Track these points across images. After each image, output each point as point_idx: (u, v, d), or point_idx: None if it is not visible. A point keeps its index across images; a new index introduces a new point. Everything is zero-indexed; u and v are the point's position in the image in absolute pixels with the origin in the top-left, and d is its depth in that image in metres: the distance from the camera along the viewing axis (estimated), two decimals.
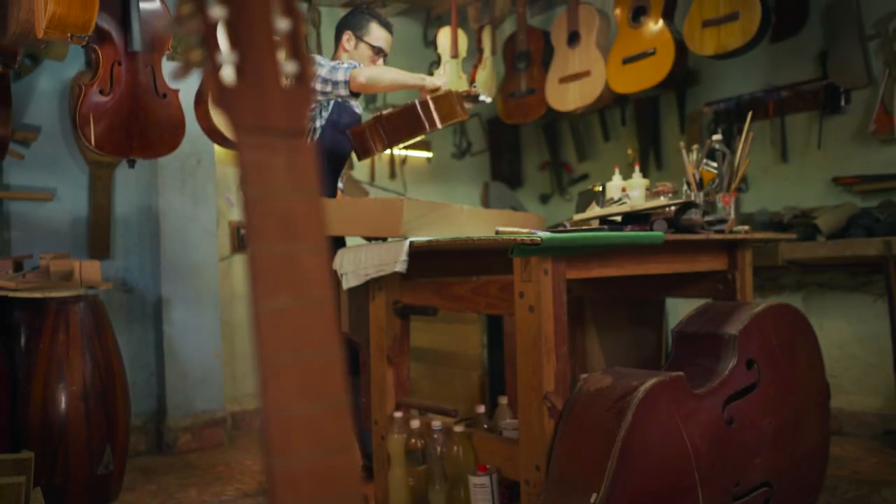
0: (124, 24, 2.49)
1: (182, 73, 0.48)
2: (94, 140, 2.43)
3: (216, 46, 0.48)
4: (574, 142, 4.57)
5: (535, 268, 1.79)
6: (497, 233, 2.07)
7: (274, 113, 0.46)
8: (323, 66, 2.54)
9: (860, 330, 3.26)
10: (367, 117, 2.81)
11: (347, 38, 2.70)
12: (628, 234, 1.92)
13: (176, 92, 2.63)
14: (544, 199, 4.86)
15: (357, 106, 2.83)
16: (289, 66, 0.50)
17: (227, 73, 0.47)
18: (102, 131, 2.43)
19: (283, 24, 0.52)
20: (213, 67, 0.47)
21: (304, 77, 0.50)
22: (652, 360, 3.03)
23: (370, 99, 4.41)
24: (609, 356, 3.04)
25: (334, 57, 2.78)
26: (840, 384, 3.31)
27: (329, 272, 0.46)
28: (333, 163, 2.76)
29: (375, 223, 2.08)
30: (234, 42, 0.48)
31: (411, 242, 2.03)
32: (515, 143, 4.92)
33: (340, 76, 2.48)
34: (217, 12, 0.49)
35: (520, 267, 1.82)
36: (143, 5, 2.58)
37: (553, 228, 2.14)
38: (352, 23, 2.71)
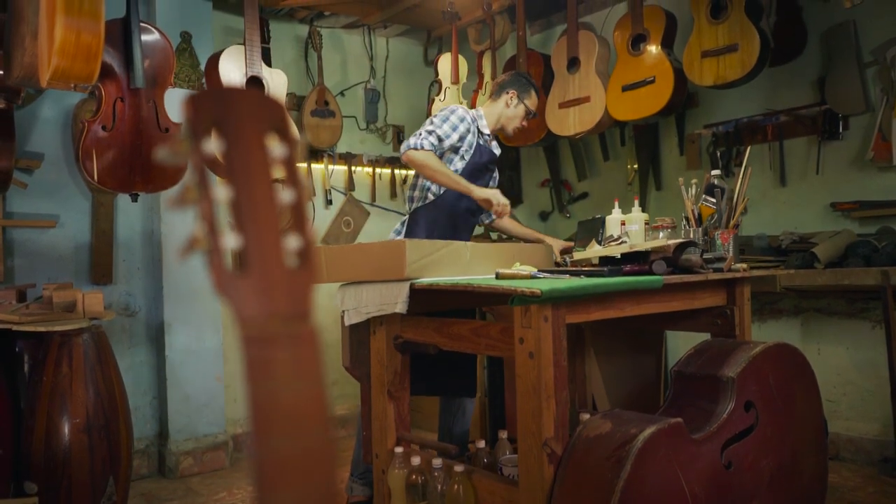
0: (127, 59, 2.51)
1: (185, 253, 0.50)
2: (96, 176, 2.45)
3: (219, 229, 0.49)
4: (574, 160, 4.59)
5: (535, 315, 1.81)
6: (497, 275, 2.09)
7: (277, 300, 0.48)
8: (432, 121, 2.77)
9: (858, 356, 3.27)
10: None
11: (511, 97, 2.92)
12: (628, 280, 1.94)
13: (178, 125, 2.65)
14: (544, 216, 4.88)
15: (495, 147, 3.01)
16: (292, 243, 0.52)
17: (230, 259, 0.49)
18: (104, 167, 2.45)
19: (286, 196, 0.53)
20: (215, 253, 0.48)
21: (307, 254, 0.51)
22: (651, 386, 3.05)
23: (371, 118, 4.42)
24: (609, 382, 3.06)
25: (490, 102, 2.98)
26: (838, 409, 3.33)
27: (331, 457, 0.48)
28: (455, 218, 2.87)
29: (380, 267, 2.09)
30: (238, 224, 0.50)
31: (412, 284, 2.05)
32: (516, 160, 4.94)
33: (411, 140, 2.70)
34: (220, 193, 0.51)
35: (520, 313, 1.84)
36: (144, 37, 2.60)
37: (552, 270, 2.16)
38: (517, 84, 2.95)
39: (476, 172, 2.86)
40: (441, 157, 2.75)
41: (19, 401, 2.73)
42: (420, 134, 2.71)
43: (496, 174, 3.06)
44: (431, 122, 2.76)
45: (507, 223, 3.15)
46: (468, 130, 2.81)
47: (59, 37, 1.66)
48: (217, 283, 0.47)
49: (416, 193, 2.88)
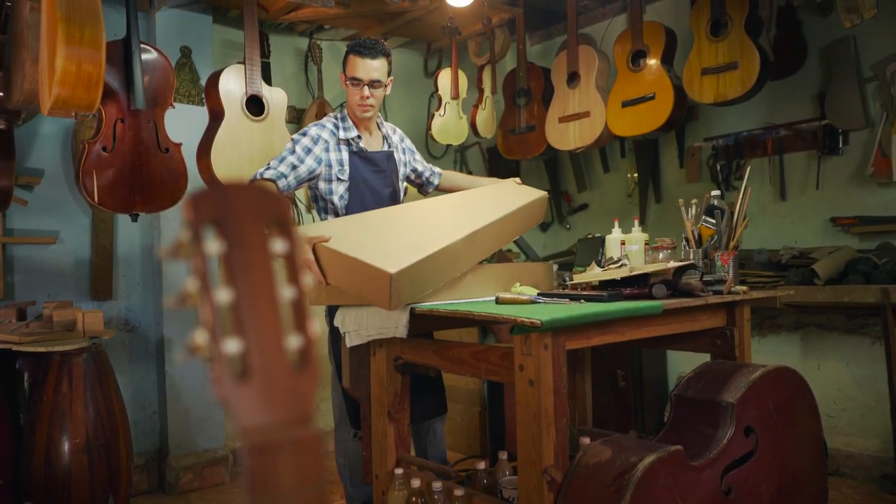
0: (127, 80, 2.51)
1: (187, 358, 0.50)
2: (96, 197, 2.45)
3: (220, 334, 0.49)
4: (574, 172, 4.59)
5: (535, 343, 1.81)
6: (497, 300, 2.09)
7: (279, 407, 0.48)
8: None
9: (858, 372, 3.27)
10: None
11: (342, 80, 2.54)
12: (627, 307, 1.94)
13: (178, 145, 2.65)
14: (544, 227, 4.88)
15: (386, 141, 2.67)
16: (293, 341, 0.52)
17: (232, 366, 0.49)
18: (104, 188, 2.45)
19: (287, 292, 0.53)
20: (217, 361, 0.49)
21: (308, 353, 0.51)
22: None
23: None
24: None
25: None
26: (837, 425, 3.33)
27: None
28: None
29: (364, 288, 2.02)
30: (238, 329, 0.50)
31: (413, 309, 2.05)
32: (515, 171, 4.93)
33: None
34: (222, 295, 0.51)
35: (520, 341, 1.84)
36: (144, 57, 2.60)
37: (551, 294, 2.16)
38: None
39: (365, 184, 2.53)
40: (312, 180, 2.48)
41: (19, 418, 2.74)
42: (268, 164, 2.43)
43: (406, 169, 2.73)
44: (285, 148, 2.46)
45: (456, 180, 2.86)
46: (326, 150, 2.48)
47: (60, 67, 1.67)
48: (219, 392, 0.48)
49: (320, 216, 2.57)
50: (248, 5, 2.97)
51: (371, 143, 2.60)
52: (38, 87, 1.96)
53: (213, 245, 0.51)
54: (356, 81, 2.46)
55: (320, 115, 4.03)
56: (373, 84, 2.47)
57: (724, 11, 3.13)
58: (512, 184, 2.81)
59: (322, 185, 2.50)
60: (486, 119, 4.17)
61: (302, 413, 0.49)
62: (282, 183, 2.41)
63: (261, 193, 0.54)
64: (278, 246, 0.54)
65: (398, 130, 2.78)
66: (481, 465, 2.41)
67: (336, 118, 2.56)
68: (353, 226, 2.26)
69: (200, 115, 3.27)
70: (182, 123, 3.18)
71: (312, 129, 2.50)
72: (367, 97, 2.47)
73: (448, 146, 4.64)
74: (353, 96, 2.49)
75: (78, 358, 2.63)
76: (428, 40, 4.43)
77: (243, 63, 2.95)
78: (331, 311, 2.48)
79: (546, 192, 2.74)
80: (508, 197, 2.63)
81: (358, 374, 2.49)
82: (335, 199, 2.50)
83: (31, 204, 3.22)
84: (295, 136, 2.50)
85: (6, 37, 2.27)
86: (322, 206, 2.56)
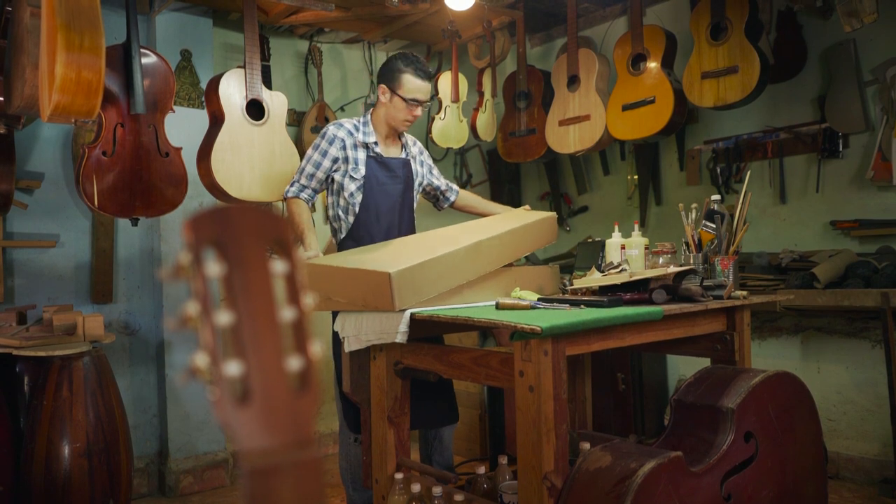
0: (127, 85, 2.51)
1: (187, 380, 0.50)
2: (96, 201, 2.45)
3: (221, 357, 0.50)
4: (574, 174, 4.59)
5: (536, 349, 1.81)
6: (497, 305, 2.09)
7: (280, 429, 0.48)
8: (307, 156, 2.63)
9: (858, 375, 3.27)
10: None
11: (383, 92, 2.59)
12: (627, 313, 1.94)
13: (178, 150, 2.65)
14: None
15: (405, 150, 2.76)
16: (294, 364, 0.52)
17: (233, 389, 0.49)
18: (104, 192, 2.45)
19: (288, 314, 0.53)
20: (217, 384, 0.49)
21: (308, 375, 0.51)
22: None
23: None
24: None
25: (375, 107, 2.70)
26: (838, 428, 3.33)
27: None
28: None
29: (369, 297, 2.06)
30: (239, 351, 0.50)
31: (412, 314, 2.05)
32: (516, 174, 4.94)
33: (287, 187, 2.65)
34: (222, 318, 0.51)
35: (520, 347, 1.84)
36: (144, 62, 2.60)
37: (551, 299, 2.16)
38: (385, 75, 2.60)
39: (380, 187, 2.62)
40: (329, 181, 2.62)
41: (19, 423, 2.73)
42: (293, 179, 2.61)
43: (422, 180, 2.82)
44: (306, 156, 2.63)
45: (470, 201, 2.98)
46: (343, 148, 2.57)
47: (60, 74, 1.67)
48: (219, 415, 0.48)
49: (334, 221, 2.70)
50: (248, 8, 2.97)
51: (389, 151, 2.70)
52: (38, 92, 1.96)
53: (214, 267, 0.51)
54: (415, 102, 2.57)
55: (320, 117, 4.03)
56: (425, 104, 2.62)
57: (724, 15, 3.13)
58: (522, 210, 2.88)
59: (336, 178, 2.61)
60: (487, 122, 4.17)
61: (302, 435, 0.49)
62: (305, 195, 2.60)
63: (261, 214, 0.55)
64: (279, 267, 0.54)
65: (418, 143, 2.87)
66: (481, 470, 2.41)
67: (357, 121, 2.65)
68: (359, 250, 2.41)
69: (200, 118, 3.27)
70: (182, 127, 3.18)
71: (330, 130, 2.61)
72: (418, 116, 2.61)
73: (448, 149, 4.64)
74: (403, 113, 2.58)
75: (78, 362, 2.63)
76: (428, 43, 4.43)
77: (243, 67, 2.95)
78: (336, 317, 2.51)
79: (554, 213, 2.77)
80: (516, 218, 2.68)
81: (358, 379, 2.49)
82: (346, 194, 2.61)
83: (31, 207, 3.22)
84: (316, 140, 2.63)
85: (6, 42, 2.27)
86: (335, 200, 2.66)
